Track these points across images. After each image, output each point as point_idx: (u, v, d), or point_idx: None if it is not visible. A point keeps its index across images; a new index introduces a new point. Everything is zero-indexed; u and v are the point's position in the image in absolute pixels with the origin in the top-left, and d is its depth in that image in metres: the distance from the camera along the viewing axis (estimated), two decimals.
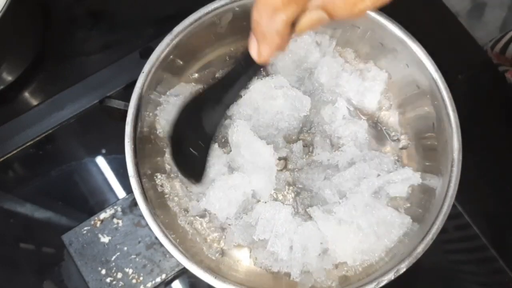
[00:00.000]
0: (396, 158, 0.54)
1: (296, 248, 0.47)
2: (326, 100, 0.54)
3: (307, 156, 0.53)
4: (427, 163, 0.51)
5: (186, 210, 0.51)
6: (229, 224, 0.50)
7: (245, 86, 0.45)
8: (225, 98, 0.44)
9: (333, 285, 0.47)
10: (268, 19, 0.32)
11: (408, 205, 0.51)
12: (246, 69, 0.41)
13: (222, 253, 0.50)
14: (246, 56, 0.38)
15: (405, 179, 0.49)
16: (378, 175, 0.49)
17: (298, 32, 0.33)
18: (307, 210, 0.50)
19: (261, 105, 0.50)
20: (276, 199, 0.52)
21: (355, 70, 0.54)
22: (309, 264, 0.48)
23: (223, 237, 0.51)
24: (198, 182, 0.48)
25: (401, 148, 0.55)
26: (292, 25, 0.32)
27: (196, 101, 0.45)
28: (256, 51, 0.36)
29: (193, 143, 0.46)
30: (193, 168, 0.47)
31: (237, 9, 0.50)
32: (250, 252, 0.51)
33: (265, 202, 0.49)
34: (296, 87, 0.53)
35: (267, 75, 0.54)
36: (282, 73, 0.53)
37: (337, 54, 0.55)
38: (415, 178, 0.49)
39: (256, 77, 0.53)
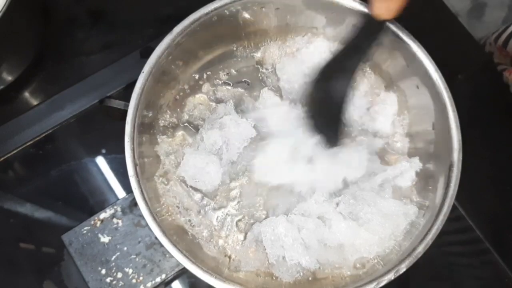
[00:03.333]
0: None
1: (312, 243, 0.48)
2: None
3: None
4: (427, 163, 0.51)
5: (186, 210, 0.51)
6: (230, 256, 0.50)
7: (366, 52, 0.47)
8: (348, 65, 0.46)
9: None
10: None
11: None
12: (366, 36, 0.45)
13: (222, 253, 0.50)
14: (366, 23, 0.44)
15: (404, 171, 0.50)
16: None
17: None
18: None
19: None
20: None
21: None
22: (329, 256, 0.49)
23: (224, 234, 0.51)
24: (333, 146, 0.50)
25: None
26: None
27: (325, 70, 0.47)
28: (385, 8, 0.41)
29: (327, 108, 0.48)
30: (328, 132, 0.50)
31: (237, 8, 0.50)
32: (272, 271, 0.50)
33: (260, 222, 0.50)
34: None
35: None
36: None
37: None
38: (416, 165, 0.50)
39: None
